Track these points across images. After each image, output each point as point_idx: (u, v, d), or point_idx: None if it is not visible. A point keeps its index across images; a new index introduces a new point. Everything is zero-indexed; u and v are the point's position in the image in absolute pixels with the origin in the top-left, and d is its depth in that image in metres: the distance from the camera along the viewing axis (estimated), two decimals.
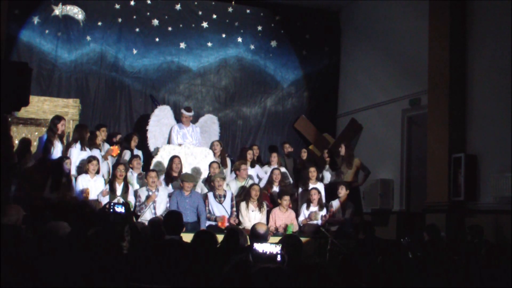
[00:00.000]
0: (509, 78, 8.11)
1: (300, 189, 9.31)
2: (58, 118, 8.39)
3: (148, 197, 8.07)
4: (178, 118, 10.20)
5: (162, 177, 8.82)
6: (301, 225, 8.55)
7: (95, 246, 3.56)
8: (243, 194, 8.67)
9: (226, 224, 8.22)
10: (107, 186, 8.20)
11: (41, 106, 9.89)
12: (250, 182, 9.03)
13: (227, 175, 9.36)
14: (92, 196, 7.99)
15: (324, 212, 8.69)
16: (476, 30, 8.85)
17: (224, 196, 8.42)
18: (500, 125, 8.28)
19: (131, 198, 8.26)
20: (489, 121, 8.50)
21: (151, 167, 9.29)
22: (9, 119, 7.97)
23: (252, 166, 9.65)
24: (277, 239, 5.56)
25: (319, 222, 8.58)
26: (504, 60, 8.28)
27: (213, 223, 8.26)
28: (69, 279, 3.30)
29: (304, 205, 8.76)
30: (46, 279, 3.40)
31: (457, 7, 8.98)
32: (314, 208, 8.66)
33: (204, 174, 9.37)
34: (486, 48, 8.67)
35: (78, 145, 8.44)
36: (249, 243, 5.14)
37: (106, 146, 9.40)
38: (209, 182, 8.82)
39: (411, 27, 10.42)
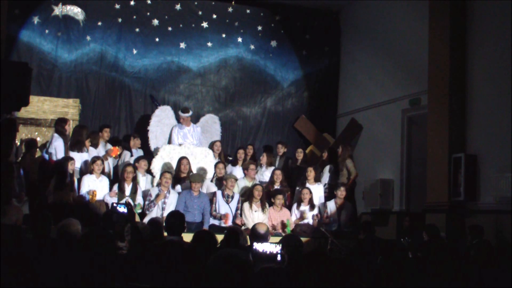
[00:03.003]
0: (509, 78, 8.12)
1: (297, 188, 9.30)
2: (64, 121, 8.44)
3: (157, 195, 8.09)
4: (179, 118, 10.20)
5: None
6: (294, 225, 8.55)
7: (89, 246, 3.56)
8: (246, 195, 8.69)
9: (229, 222, 8.24)
10: (115, 187, 8.20)
11: (41, 106, 9.89)
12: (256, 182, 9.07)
13: None
14: (99, 196, 7.99)
15: (315, 211, 8.69)
16: (476, 30, 8.85)
17: (232, 197, 8.47)
18: (500, 125, 8.28)
19: (139, 199, 8.28)
20: (489, 121, 8.50)
21: (151, 167, 9.31)
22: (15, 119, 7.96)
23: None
24: (277, 239, 5.57)
25: (310, 221, 8.58)
26: (504, 60, 8.28)
27: (216, 221, 8.30)
28: (69, 279, 3.30)
29: (295, 205, 8.78)
30: (46, 279, 3.40)
31: (457, 7, 8.99)
32: (304, 207, 8.68)
33: (205, 173, 9.38)
34: (486, 48, 8.67)
35: (76, 147, 8.46)
36: (249, 243, 5.14)
37: (109, 146, 9.40)
38: (218, 182, 8.86)
39: (411, 27, 10.42)
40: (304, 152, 10.50)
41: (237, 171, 9.56)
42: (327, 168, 9.80)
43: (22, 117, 9.50)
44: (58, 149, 8.19)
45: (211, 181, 9.10)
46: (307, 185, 9.03)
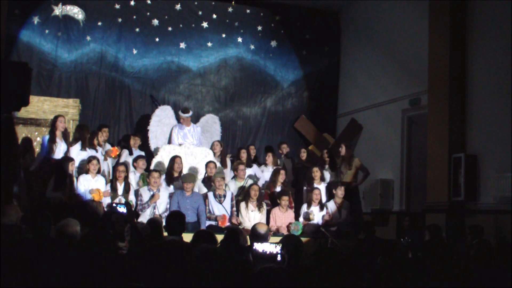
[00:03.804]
0: (509, 78, 8.11)
1: (304, 189, 9.29)
2: (55, 117, 8.49)
3: (152, 196, 8.08)
4: (179, 118, 10.19)
5: (163, 177, 8.82)
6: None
7: (89, 246, 3.57)
8: (243, 194, 8.67)
9: (227, 223, 8.23)
10: (107, 186, 8.21)
11: (41, 106, 9.90)
12: (250, 182, 9.04)
13: (226, 175, 9.35)
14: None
15: (324, 212, 8.69)
16: (476, 30, 8.85)
17: (224, 196, 8.44)
18: (500, 125, 8.28)
19: (131, 198, 8.28)
20: (489, 121, 8.50)
21: (152, 167, 9.31)
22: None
23: (249, 166, 9.65)
24: (277, 239, 5.56)
25: (320, 222, 8.58)
26: (504, 60, 8.28)
27: (213, 222, 8.28)
28: (68, 279, 3.30)
29: (305, 205, 8.75)
30: (46, 279, 3.40)
31: (457, 7, 8.98)
32: (315, 208, 8.65)
33: (197, 173, 9.38)
34: (486, 48, 8.67)
35: (78, 145, 8.48)
36: (249, 243, 5.14)
37: (108, 146, 9.40)
38: (208, 181, 8.84)
39: (411, 27, 10.42)
40: (308, 152, 10.50)
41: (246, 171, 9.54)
42: (326, 168, 9.80)
43: (22, 117, 9.50)
44: (43, 146, 8.27)
45: (202, 181, 9.06)
46: (315, 185, 9.01)
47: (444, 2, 9.06)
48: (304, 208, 8.74)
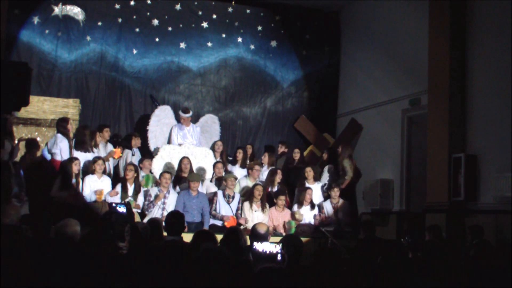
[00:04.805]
0: (509, 78, 8.11)
1: (296, 188, 9.30)
2: (65, 121, 8.44)
3: (156, 196, 8.08)
4: (179, 118, 10.20)
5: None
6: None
7: (89, 246, 3.57)
8: (247, 194, 8.68)
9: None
10: (117, 187, 8.19)
11: (41, 106, 9.90)
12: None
13: None
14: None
15: (316, 211, 8.69)
16: (476, 29, 8.85)
17: (233, 197, 8.45)
18: (500, 125, 8.28)
19: (141, 198, 8.28)
20: (489, 121, 8.50)
21: (152, 168, 9.30)
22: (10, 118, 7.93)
23: (243, 166, 9.65)
24: (277, 239, 5.57)
25: (311, 221, 8.58)
26: (504, 60, 8.28)
27: (217, 222, 8.29)
28: (68, 279, 3.31)
29: (296, 205, 8.77)
30: (46, 279, 3.40)
31: (457, 7, 8.98)
32: (305, 208, 8.66)
33: (205, 173, 9.38)
34: (486, 48, 8.67)
35: (82, 147, 8.47)
36: (249, 243, 5.15)
37: (109, 146, 9.38)
38: (217, 182, 8.85)
39: (411, 27, 10.42)
40: (301, 152, 10.50)
41: (237, 170, 9.56)
42: (326, 168, 9.79)
43: (22, 117, 9.51)
44: (63, 150, 8.21)
45: (211, 181, 9.09)
46: (307, 184, 9.01)
47: (444, 2, 9.06)
48: (295, 208, 8.76)
